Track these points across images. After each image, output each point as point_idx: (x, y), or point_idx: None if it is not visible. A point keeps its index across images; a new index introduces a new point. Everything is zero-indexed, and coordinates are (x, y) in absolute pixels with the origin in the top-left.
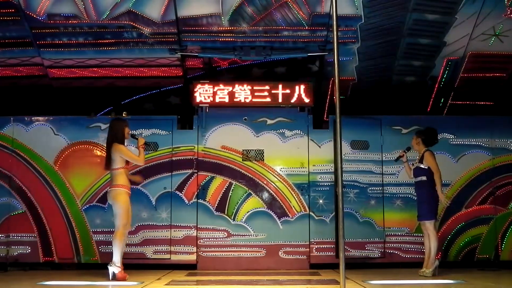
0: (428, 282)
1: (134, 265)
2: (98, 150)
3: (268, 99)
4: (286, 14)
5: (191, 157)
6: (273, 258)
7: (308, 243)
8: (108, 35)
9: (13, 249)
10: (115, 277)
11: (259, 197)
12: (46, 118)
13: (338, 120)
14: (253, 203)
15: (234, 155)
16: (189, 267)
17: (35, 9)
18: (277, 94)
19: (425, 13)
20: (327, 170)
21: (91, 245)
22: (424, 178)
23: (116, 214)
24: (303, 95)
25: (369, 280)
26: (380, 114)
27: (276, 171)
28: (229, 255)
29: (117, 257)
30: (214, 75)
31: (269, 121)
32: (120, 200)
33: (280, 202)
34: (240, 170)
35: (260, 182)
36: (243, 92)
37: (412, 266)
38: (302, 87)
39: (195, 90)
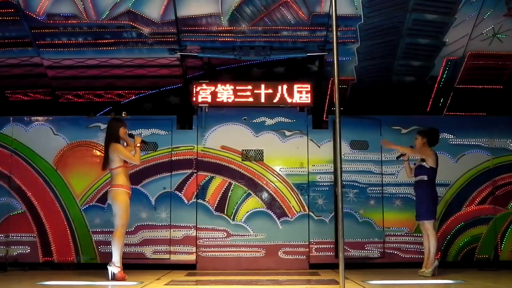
0: (427, 282)
1: (134, 265)
2: (98, 150)
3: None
4: (285, 14)
5: (191, 157)
6: (273, 258)
7: (307, 243)
8: (107, 35)
9: (13, 249)
10: (114, 277)
11: (258, 197)
12: (46, 118)
13: (337, 120)
14: (253, 203)
15: (233, 155)
16: (189, 267)
17: (35, 9)
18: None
19: (424, 13)
20: (326, 170)
21: (90, 245)
22: (425, 177)
23: (115, 214)
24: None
25: (369, 280)
26: (380, 114)
27: (275, 171)
28: (228, 255)
29: (116, 257)
30: (213, 75)
31: (269, 121)
32: (119, 200)
33: (280, 202)
34: (240, 170)
35: (259, 182)
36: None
37: (412, 266)
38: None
39: (196, 90)
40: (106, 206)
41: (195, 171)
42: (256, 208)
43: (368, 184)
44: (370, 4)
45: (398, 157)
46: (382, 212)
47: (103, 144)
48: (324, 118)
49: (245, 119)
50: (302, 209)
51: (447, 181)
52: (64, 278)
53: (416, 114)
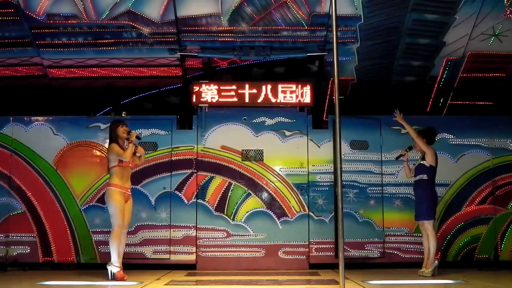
0: (427, 282)
1: (134, 265)
2: (98, 150)
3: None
4: (285, 14)
5: (191, 157)
6: (273, 258)
7: (307, 243)
8: (107, 35)
9: (13, 249)
10: (114, 277)
11: (258, 197)
12: (46, 118)
13: (337, 120)
14: (253, 203)
15: (233, 155)
16: (189, 267)
17: (35, 9)
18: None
19: (424, 13)
20: (326, 170)
21: (90, 245)
22: (424, 176)
23: (110, 213)
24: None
25: (369, 280)
26: (380, 114)
27: (275, 171)
28: (228, 255)
29: (114, 257)
30: (213, 75)
31: (269, 121)
32: (112, 199)
33: (280, 202)
34: (240, 170)
35: (259, 182)
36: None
37: (412, 266)
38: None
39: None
40: (105, 206)
41: (195, 171)
42: (256, 208)
43: (368, 184)
44: (370, 4)
45: (397, 157)
46: (382, 212)
47: (104, 144)
48: (324, 118)
49: (245, 119)
50: (302, 209)
51: (447, 181)
52: (64, 278)
53: (416, 114)
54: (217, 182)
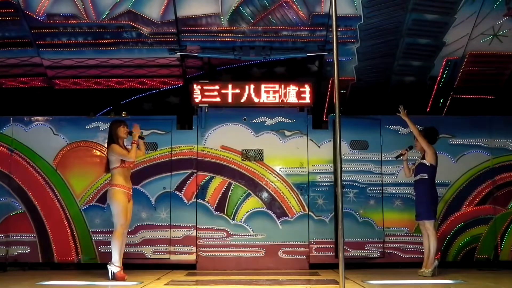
0: (427, 282)
1: (134, 265)
2: (98, 150)
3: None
4: (285, 14)
5: (191, 157)
6: (273, 258)
7: (307, 243)
8: (107, 35)
9: (13, 249)
10: (114, 277)
11: (258, 197)
12: (46, 118)
13: (337, 120)
14: (253, 203)
15: (233, 155)
16: (189, 267)
17: (35, 9)
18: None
19: (424, 13)
20: (326, 170)
21: (90, 245)
22: (425, 176)
23: (113, 213)
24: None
25: (369, 280)
26: (380, 114)
27: (275, 171)
28: (228, 255)
29: (115, 257)
30: (213, 75)
31: (269, 121)
32: (116, 199)
33: (280, 202)
34: (240, 170)
35: (259, 182)
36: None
37: (412, 266)
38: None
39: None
40: (106, 206)
41: (195, 171)
42: (256, 208)
43: (368, 184)
44: (370, 4)
45: (397, 157)
46: (382, 212)
47: (104, 144)
48: (324, 118)
49: (245, 119)
50: (302, 209)
51: (447, 181)
52: (64, 278)
53: (416, 114)
54: (217, 182)
